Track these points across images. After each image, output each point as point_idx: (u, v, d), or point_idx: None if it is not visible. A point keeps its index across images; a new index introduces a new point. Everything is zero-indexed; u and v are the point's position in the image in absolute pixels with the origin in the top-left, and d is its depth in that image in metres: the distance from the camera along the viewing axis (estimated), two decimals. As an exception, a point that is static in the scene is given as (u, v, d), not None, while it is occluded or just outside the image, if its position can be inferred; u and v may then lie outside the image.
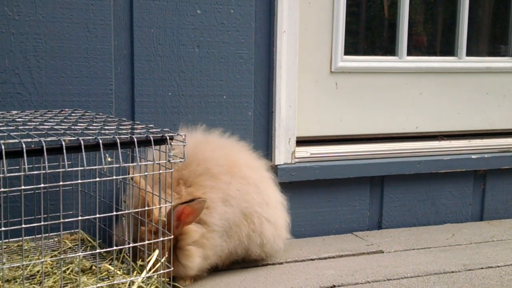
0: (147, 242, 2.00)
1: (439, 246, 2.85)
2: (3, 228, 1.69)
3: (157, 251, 2.03)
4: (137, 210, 2.06)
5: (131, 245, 2.00)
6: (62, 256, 1.96)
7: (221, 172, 2.30)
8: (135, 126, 2.09)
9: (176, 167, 2.07)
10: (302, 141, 3.02)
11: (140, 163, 1.93)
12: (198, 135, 2.49)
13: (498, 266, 2.58)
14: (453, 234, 3.06)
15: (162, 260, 2.01)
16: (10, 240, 2.30)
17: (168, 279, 2.02)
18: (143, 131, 1.99)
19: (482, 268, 2.56)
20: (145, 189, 2.06)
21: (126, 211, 2.06)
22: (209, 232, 2.23)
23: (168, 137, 1.93)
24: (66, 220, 1.81)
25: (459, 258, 2.68)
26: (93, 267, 2.10)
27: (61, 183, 1.79)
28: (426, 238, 2.98)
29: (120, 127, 2.04)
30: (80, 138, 1.75)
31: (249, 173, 2.41)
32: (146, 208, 2.05)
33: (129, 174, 2.15)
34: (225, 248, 2.32)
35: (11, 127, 1.90)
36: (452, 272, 2.50)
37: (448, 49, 3.48)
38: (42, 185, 1.78)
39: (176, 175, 2.24)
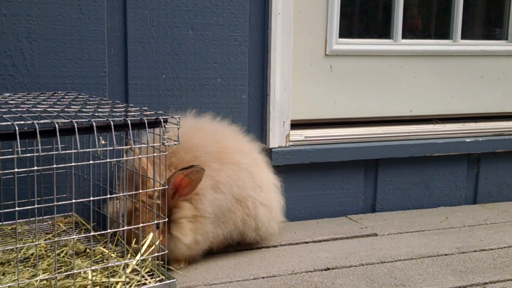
0: (141, 225, 1.99)
1: (432, 229, 2.87)
2: (-4, 211, 1.68)
3: (151, 234, 2.03)
4: (131, 193, 2.05)
5: (125, 228, 1.99)
6: (56, 239, 1.96)
7: (210, 159, 2.29)
8: (128, 109, 2.08)
9: (170, 149, 2.06)
10: (296, 124, 3.02)
11: (134, 146, 1.92)
12: (188, 121, 2.47)
13: (491, 249, 2.60)
14: (446, 217, 3.08)
15: (157, 243, 2.01)
16: (4, 223, 2.30)
17: (162, 262, 2.02)
18: (137, 113, 1.98)
19: (476, 250, 2.58)
20: (140, 163, 2.06)
21: (121, 194, 2.05)
22: (200, 217, 2.22)
23: (162, 120, 1.92)
24: (60, 203, 1.81)
25: (452, 241, 2.70)
26: (87, 250, 2.10)
27: (54, 166, 1.78)
28: (419, 221, 2.99)
29: (114, 109, 2.02)
30: (74, 120, 1.74)
31: (241, 158, 2.40)
32: (141, 191, 2.04)
33: (123, 156, 2.14)
34: (220, 234, 2.32)
35: (4, 109, 1.88)
36: (446, 254, 2.52)
37: (443, 32, 3.47)
38: (36, 167, 1.77)
39: (160, 171, 2.22)
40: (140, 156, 1.97)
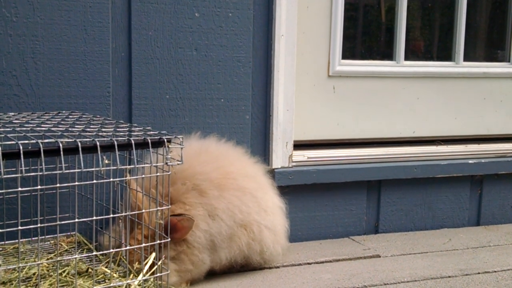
0: (143, 244, 1.99)
1: (436, 251, 2.85)
2: (-1, 230, 1.68)
3: (153, 254, 2.03)
4: (134, 212, 2.05)
5: (127, 247, 1.99)
6: (58, 259, 1.96)
7: (210, 187, 2.27)
8: (132, 129, 2.09)
9: (173, 169, 2.06)
10: (299, 145, 3.02)
11: (137, 165, 1.92)
12: (192, 144, 2.45)
13: (495, 271, 2.58)
14: (450, 239, 3.06)
15: (159, 263, 2.01)
16: (6, 242, 2.29)
17: (164, 282, 2.01)
18: (140, 133, 1.99)
19: (479, 273, 2.56)
20: (137, 190, 2.06)
21: (123, 214, 2.05)
22: (188, 249, 2.20)
23: (165, 140, 1.92)
24: (63, 222, 1.81)
25: (456, 262, 2.68)
26: (90, 270, 2.09)
27: (58, 185, 1.78)
28: (423, 243, 2.98)
29: (118, 129, 2.03)
30: (78, 140, 1.75)
31: (245, 183, 2.39)
32: (143, 211, 2.04)
33: (126, 177, 2.15)
34: (223, 258, 2.30)
35: (8, 129, 1.89)
36: (449, 276, 2.50)
37: (446, 54, 3.49)
38: (39, 187, 1.77)
39: (163, 192, 2.22)
40: (143, 175, 1.98)
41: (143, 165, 1.97)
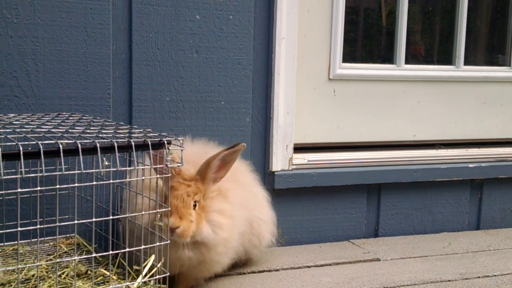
0: (143, 247, 1.99)
1: (435, 255, 2.85)
2: (-2, 231, 1.68)
3: (153, 256, 2.02)
4: (133, 214, 2.05)
5: (127, 249, 1.99)
6: (57, 260, 1.95)
7: (229, 179, 2.29)
8: (132, 130, 2.08)
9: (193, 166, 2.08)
10: (299, 148, 3.02)
11: (137, 167, 1.92)
12: (196, 145, 2.47)
13: (495, 275, 2.58)
14: (449, 242, 3.06)
15: (159, 265, 2.00)
16: (5, 243, 2.29)
17: (164, 285, 2.01)
18: (140, 135, 1.98)
19: (479, 277, 2.56)
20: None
21: (123, 215, 2.05)
22: (235, 226, 2.22)
23: (166, 142, 1.92)
24: (62, 224, 1.81)
25: (455, 266, 2.68)
26: (89, 272, 2.09)
27: (57, 186, 1.78)
28: (422, 247, 2.97)
29: (118, 131, 2.03)
30: (78, 141, 1.74)
31: (244, 178, 2.44)
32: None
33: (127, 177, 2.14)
34: (233, 256, 2.32)
35: (8, 130, 1.89)
36: (449, 280, 2.50)
37: (446, 58, 3.49)
38: (39, 188, 1.77)
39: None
40: (143, 177, 1.97)
41: (143, 167, 1.97)
